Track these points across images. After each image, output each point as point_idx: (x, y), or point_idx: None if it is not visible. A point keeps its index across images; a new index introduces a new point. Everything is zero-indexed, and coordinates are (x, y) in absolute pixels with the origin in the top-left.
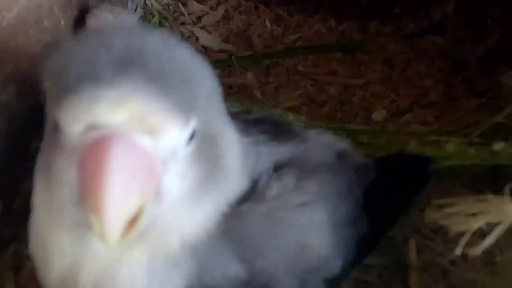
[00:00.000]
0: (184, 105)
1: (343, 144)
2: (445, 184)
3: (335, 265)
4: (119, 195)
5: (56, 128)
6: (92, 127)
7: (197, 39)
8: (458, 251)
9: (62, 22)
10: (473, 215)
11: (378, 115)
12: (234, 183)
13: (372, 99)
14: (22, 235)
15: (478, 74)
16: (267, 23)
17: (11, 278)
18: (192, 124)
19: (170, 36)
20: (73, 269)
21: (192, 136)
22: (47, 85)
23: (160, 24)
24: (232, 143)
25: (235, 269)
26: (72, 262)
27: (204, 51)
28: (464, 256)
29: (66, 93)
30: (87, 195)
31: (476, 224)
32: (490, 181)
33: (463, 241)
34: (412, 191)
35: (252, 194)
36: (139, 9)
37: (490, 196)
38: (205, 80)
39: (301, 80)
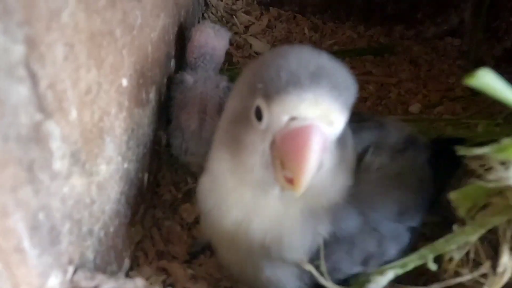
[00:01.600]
0: (348, 106)
1: (409, 128)
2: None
3: (418, 217)
4: (313, 163)
5: (252, 115)
6: (294, 118)
7: (250, 46)
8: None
9: (171, 37)
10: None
11: (414, 108)
12: (351, 162)
13: (406, 95)
14: (157, 202)
15: (496, 72)
16: (306, 30)
17: (156, 232)
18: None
19: (331, 56)
20: (248, 217)
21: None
22: (257, 85)
23: None
24: (349, 134)
25: (355, 219)
26: (249, 210)
27: (257, 56)
28: None
29: (279, 93)
30: (292, 161)
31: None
32: None
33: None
34: (453, 165)
35: (360, 167)
36: (207, 21)
37: None
38: (354, 90)
39: None
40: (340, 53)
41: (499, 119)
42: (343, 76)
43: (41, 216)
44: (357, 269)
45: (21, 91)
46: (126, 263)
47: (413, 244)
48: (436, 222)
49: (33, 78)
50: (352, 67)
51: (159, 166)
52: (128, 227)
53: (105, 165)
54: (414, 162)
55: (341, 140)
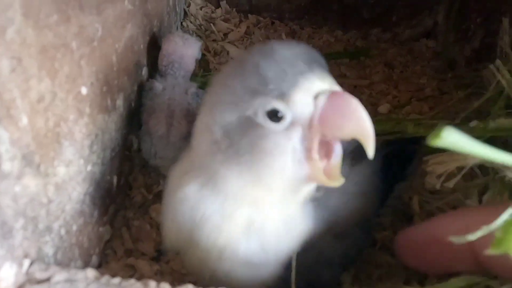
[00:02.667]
0: None
1: None
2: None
3: (373, 221)
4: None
5: (265, 119)
6: (317, 96)
7: (228, 52)
8: (438, 185)
9: (142, 46)
10: (444, 163)
11: (383, 108)
12: None
13: (377, 96)
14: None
15: (465, 71)
16: (283, 36)
17: (125, 231)
18: None
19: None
20: (256, 225)
21: None
22: (260, 89)
23: None
24: None
25: (321, 224)
26: (259, 219)
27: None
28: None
29: (298, 80)
30: (353, 125)
31: (446, 167)
32: None
33: (440, 179)
34: (405, 164)
35: None
36: (178, 30)
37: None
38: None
39: None
40: None
41: (459, 118)
42: (316, 53)
43: None
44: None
45: None
46: (94, 260)
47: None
48: (396, 216)
49: None
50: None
51: (130, 169)
52: (95, 226)
53: (64, 167)
54: (371, 169)
55: None
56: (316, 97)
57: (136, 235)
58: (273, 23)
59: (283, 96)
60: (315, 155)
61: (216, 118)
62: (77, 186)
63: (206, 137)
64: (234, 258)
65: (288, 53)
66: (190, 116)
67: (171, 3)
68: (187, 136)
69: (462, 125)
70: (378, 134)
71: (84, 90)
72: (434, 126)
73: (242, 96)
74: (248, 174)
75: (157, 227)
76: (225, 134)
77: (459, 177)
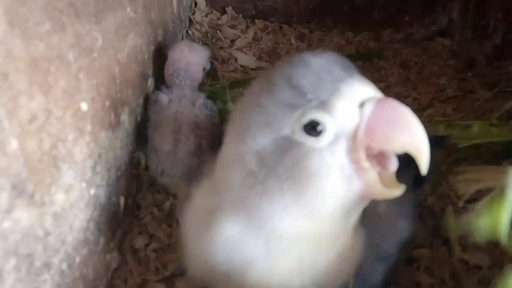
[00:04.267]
0: None
1: None
2: (472, 162)
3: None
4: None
5: (303, 135)
6: (363, 104)
7: (236, 59)
8: (461, 204)
9: (146, 56)
10: (476, 181)
11: None
12: None
13: (396, 99)
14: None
15: (487, 69)
16: (292, 40)
17: (134, 257)
18: None
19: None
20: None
21: None
22: (296, 102)
23: None
24: None
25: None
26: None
27: (243, 69)
28: None
29: (339, 86)
30: (404, 133)
31: (473, 188)
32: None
33: (463, 199)
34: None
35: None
36: (184, 38)
37: (491, 167)
38: None
39: None
40: None
41: (493, 119)
42: (349, 61)
43: None
44: None
45: None
46: None
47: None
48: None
49: None
50: None
51: (138, 188)
52: (101, 255)
53: (63, 194)
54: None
55: None
56: (361, 105)
57: (146, 259)
58: (281, 27)
59: (323, 105)
60: (365, 163)
61: (247, 145)
62: (79, 212)
63: (238, 169)
64: None
65: (321, 61)
66: (198, 130)
67: (175, 11)
68: (195, 152)
69: (501, 126)
70: None
71: (84, 106)
72: (467, 127)
73: (275, 114)
74: (294, 204)
75: (167, 249)
76: (260, 162)
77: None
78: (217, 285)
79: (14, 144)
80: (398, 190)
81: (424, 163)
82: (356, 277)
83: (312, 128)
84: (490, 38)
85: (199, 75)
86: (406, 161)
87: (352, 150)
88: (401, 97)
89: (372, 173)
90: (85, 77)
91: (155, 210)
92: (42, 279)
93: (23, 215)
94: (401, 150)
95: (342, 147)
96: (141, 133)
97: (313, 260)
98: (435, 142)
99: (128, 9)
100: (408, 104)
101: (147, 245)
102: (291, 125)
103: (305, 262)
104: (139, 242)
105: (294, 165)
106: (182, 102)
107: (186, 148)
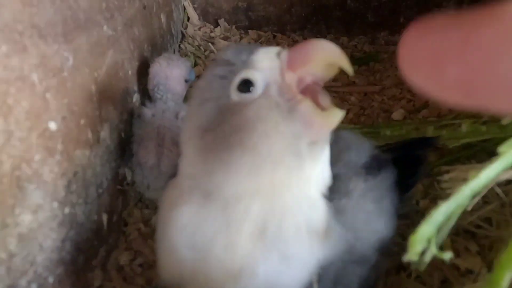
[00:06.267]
0: None
1: (371, 144)
2: (465, 163)
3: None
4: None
5: (237, 92)
6: (279, 53)
7: None
8: None
9: (130, 72)
10: (463, 179)
11: (397, 114)
12: None
13: (390, 102)
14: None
15: None
16: (286, 48)
17: (118, 274)
18: None
19: None
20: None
21: None
22: (229, 69)
23: (195, 64)
24: None
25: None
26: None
27: None
28: None
29: (256, 48)
30: (319, 51)
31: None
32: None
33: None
34: (416, 167)
35: (340, 190)
36: (176, 53)
37: (477, 165)
38: None
39: None
40: None
41: (485, 117)
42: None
43: None
44: None
45: None
46: None
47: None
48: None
49: None
50: (335, 80)
51: (125, 204)
52: (80, 273)
53: (30, 214)
54: (387, 183)
55: None
56: (278, 55)
57: (131, 276)
58: (274, 36)
59: (246, 64)
60: (298, 95)
61: (199, 121)
62: (51, 232)
63: (192, 144)
64: (253, 283)
65: (243, 43)
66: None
67: (164, 26)
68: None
69: (491, 123)
70: (393, 141)
71: (53, 126)
72: (456, 126)
73: (214, 87)
74: (244, 158)
75: (153, 265)
76: (206, 132)
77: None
78: (187, 285)
79: None
80: (338, 112)
81: (346, 65)
82: (328, 275)
83: (244, 86)
84: None
85: (179, 87)
86: (394, 164)
87: (284, 89)
88: (396, 100)
89: (307, 102)
90: (54, 97)
91: (142, 226)
92: None
93: None
94: (324, 65)
95: (274, 90)
96: (126, 149)
97: (277, 227)
98: (426, 144)
99: (105, 27)
100: (402, 107)
101: (132, 260)
102: (227, 92)
103: (268, 229)
104: (124, 258)
105: (237, 120)
106: (165, 116)
107: (170, 161)
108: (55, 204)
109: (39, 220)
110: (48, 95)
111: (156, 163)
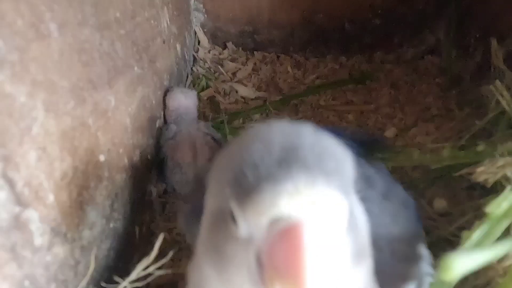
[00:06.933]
0: (343, 184)
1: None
2: (446, 182)
3: None
4: (315, 272)
5: (229, 220)
6: (277, 221)
7: (236, 91)
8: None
9: (154, 102)
10: None
11: (390, 133)
12: (366, 242)
13: (383, 120)
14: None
15: (470, 87)
16: (289, 68)
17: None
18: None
19: (316, 128)
20: None
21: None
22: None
23: (207, 85)
24: (360, 211)
25: None
26: None
27: (243, 100)
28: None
29: (249, 194)
30: (285, 277)
31: None
32: None
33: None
34: None
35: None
36: (189, 76)
37: None
38: (349, 166)
39: (324, 112)
40: (322, 87)
41: (463, 140)
42: (325, 151)
43: (26, 283)
44: None
45: (0, 195)
46: None
47: None
48: None
49: (10, 183)
50: (334, 99)
51: (151, 217)
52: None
53: (88, 230)
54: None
55: (353, 226)
56: (274, 222)
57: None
58: (278, 57)
59: (239, 202)
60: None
61: (209, 204)
62: (101, 244)
63: (203, 227)
64: None
65: (262, 147)
66: (209, 142)
67: (179, 53)
68: (211, 159)
69: (469, 150)
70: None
71: (102, 158)
72: (439, 150)
73: (222, 186)
74: (217, 277)
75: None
76: (210, 223)
77: None
78: None
79: (51, 198)
80: None
81: None
82: None
83: (233, 217)
84: (472, 57)
85: (196, 113)
86: None
87: (260, 258)
88: (389, 118)
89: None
90: (102, 134)
91: (166, 234)
92: None
93: (59, 250)
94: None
95: (252, 251)
96: (152, 169)
97: None
98: (376, 144)
99: (136, 68)
100: (394, 124)
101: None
102: (225, 203)
103: None
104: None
105: (220, 239)
106: (191, 128)
107: (204, 156)
108: (104, 221)
109: (94, 234)
110: (99, 133)
111: (192, 160)
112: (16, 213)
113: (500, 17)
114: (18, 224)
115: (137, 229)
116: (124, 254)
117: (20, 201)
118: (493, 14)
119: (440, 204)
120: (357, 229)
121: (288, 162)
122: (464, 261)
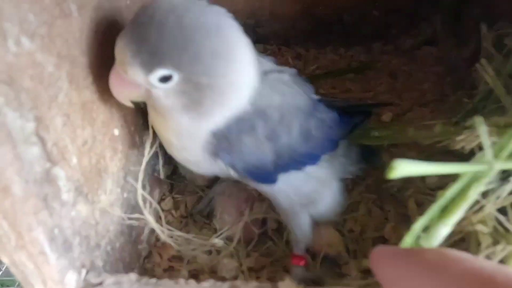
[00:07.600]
0: (147, 61)
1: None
2: (437, 159)
3: None
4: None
5: None
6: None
7: None
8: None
9: None
10: None
11: (386, 117)
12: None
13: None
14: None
15: (465, 73)
16: (290, 60)
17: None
18: (159, 73)
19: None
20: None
21: (167, 79)
22: None
23: None
24: (233, 88)
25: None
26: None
27: None
28: None
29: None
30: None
31: None
32: None
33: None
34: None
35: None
36: None
37: None
38: (204, 41)
39: None
40: (322, 76)
41: (456, 118)
42: (172, 30)
43: (56, 231)
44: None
45: (34, 151)
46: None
47: None
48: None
49: (42, 142)
50: (333, 87)
51: (161, 195)
52: (133, 245)
53: (105, 195)
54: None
55: (188, 92)
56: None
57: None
58: (279, 49)
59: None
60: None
61: None
62: (116, 209)
63: None
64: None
65: (146, 12)
66: None
67: None
68: None
69: (459, 125)
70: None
71: (116, 132)
72: (432, 127)
73: None
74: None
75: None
76: None
77: None
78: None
79: (74, 160)
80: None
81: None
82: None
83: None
84: (467, 45)
85: None
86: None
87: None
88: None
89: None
90: (116, 110)
91: (174, 212)
92: (95, 255)
93: (82, 208)
94: None
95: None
96: (159, 150)
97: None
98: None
99: None
100: (391, 110)
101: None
102: None
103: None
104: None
105: None
106: None
107: None
108: (119, 190)
109: (110, 200)
110: (113, 109)
111: None
112: (47, 168)
113: (495, 5)
114: (49, 178)
115: (148, 203)
116: (136, 225)
117: (50, 158)
118: (488, 2)
119: (431, 179)
120: (195, 92)
121: (132, 29)
122: (408, 166)
